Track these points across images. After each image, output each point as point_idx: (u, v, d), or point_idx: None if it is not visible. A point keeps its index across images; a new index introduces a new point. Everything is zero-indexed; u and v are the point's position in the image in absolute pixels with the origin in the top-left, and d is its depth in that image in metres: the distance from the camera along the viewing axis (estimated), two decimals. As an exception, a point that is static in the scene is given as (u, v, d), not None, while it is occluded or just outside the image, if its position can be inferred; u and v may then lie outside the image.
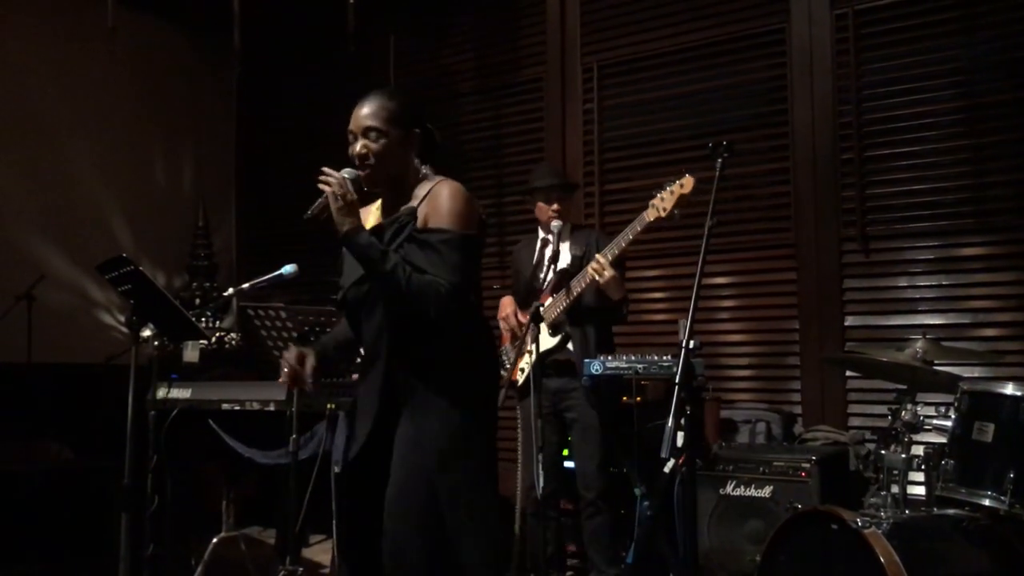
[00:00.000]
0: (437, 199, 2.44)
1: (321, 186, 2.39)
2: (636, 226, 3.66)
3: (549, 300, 3.84)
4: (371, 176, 2.48)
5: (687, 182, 3.51)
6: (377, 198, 2.64)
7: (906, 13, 4.52)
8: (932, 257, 4.43)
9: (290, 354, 2.59)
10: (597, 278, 3.66)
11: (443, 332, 2.42)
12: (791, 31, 4.81)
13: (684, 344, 2.54)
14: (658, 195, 3.59)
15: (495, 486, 2.55)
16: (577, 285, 3.77)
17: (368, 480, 2.48)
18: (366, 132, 2.48)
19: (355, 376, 3.66)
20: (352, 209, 2.39)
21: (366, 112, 2.49)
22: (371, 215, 2.61)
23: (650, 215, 3.62)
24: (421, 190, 2.51)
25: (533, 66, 5.71)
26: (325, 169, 2.42)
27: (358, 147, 2.49)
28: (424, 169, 2.57)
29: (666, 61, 5.21)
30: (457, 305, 2.38)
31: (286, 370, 2.56)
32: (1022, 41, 4.27)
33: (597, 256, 3.69)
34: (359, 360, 2.69)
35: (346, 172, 2.45)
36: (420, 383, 2.43)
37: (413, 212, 2.47)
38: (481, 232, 2.54)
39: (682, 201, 3.53)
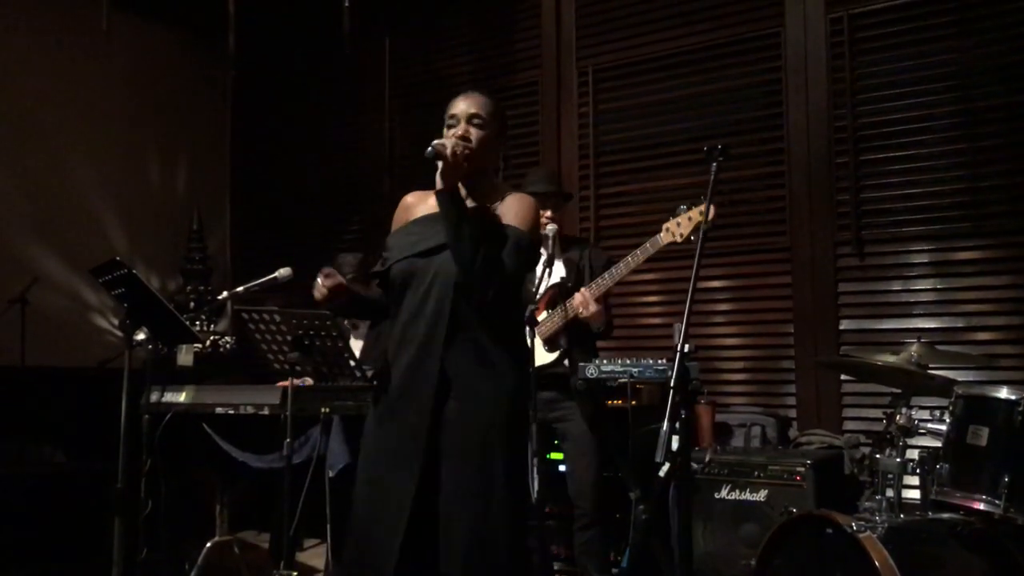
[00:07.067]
0: (516, 205, 2.54)
1: (448, 140, 2.43)
2: (649, 248, 3.62)
3: (544, 315, 3.80)
4: (467, 159, 2.50)
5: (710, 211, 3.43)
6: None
7: (901, 17, 4.53)
8: (927, 261, 4.44)
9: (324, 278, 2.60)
10: (582, 311, 3.66)
11: (499, 319, 2.47)
12: (786, 35, 4.82)
13: (679, 348, 2.54)
14: (674, 220, 3.54)
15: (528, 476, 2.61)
16: (572, 306, 3.75)
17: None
18: (471, 118, 2.54)
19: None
20: (460, 170, 2.45)
21: (472, 101, 2.57)
22: (432, 199, 2.60)
23: (664, 239, 3.57)
24: (495, 195, 2.59)
25: (528, 70, 5.71)
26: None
27: (460, 129, 2.53)
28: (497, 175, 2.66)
29: (661, 65, 5.21)
30: (507, 296, 2.46)
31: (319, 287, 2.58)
32: (1017, 45, 4.28)
33: (583, 290, 3.67)
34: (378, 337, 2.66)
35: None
36: (475, 367, 2.44)
37: (488, 209, 2.54)
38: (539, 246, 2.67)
39: (699, 228, 3.45)
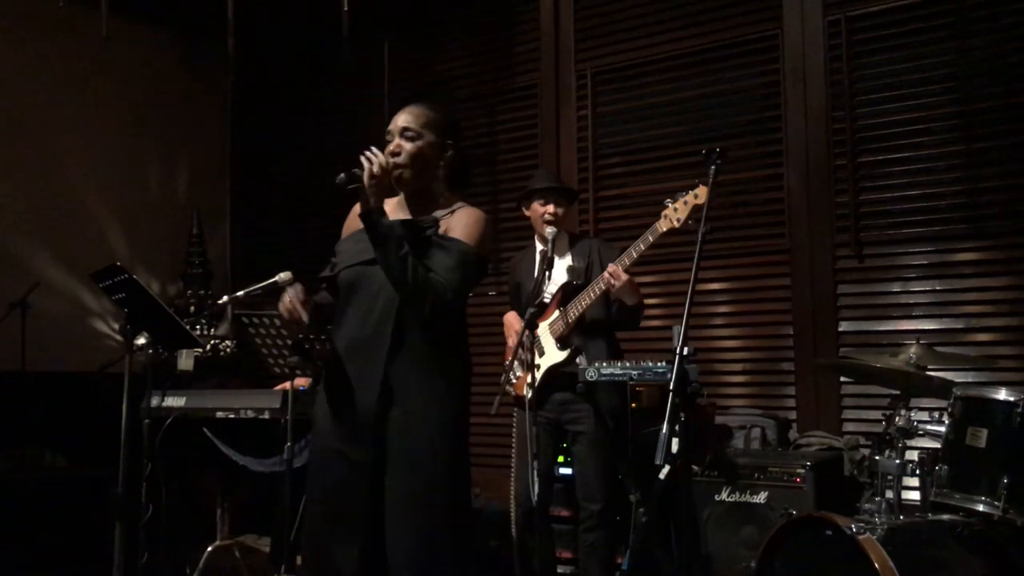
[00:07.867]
0: (464, 218, 2.55)
1: (363, 159, 2.44)
2: (648, 237, 3.61)
3: (556, 313, 3.80)
4: (399, 175, 2.54)
5: (701, 192, 3.41)
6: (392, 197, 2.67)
7: (899, 19, 4.52)
8: (926, 262, 4.44)
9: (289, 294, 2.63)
10: (614, 282, 3.61)
11: (443, 329, 2.49)
12: (784, 38, 4.82)
13: (679, 350, 2.54)
14: (670, 205, 3.53)
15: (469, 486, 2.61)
16: (586, 297, 3.73)
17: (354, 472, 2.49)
18: (402, 132, 2.58)
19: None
20: (382, 190, 2.46)
21: (405, 114, 2.61)
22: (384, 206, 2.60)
23: (663, 226, 3.56)
24: (445, 207, 2.60)
25: (527, 73, 5.72)
26: (373, 148, 2.49)
27: (391, 145, 2.56)
28: (445, 187, 2.66)
29: (659, 68, 5.21)
30: (449, 311, 2.47)
31: (286, 303, 2.62)
32: (1015, 47, 4.28)
33: (610, 266, 3.64)
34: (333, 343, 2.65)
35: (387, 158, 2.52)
36: (418, 376, 2.46)
37: (436, 222, 2.54)
38: (487, 261, 2.67)
39: (696, 211, 3.44)
